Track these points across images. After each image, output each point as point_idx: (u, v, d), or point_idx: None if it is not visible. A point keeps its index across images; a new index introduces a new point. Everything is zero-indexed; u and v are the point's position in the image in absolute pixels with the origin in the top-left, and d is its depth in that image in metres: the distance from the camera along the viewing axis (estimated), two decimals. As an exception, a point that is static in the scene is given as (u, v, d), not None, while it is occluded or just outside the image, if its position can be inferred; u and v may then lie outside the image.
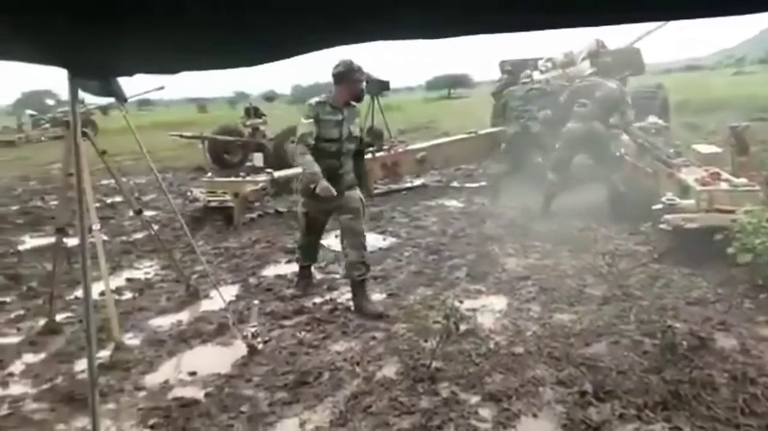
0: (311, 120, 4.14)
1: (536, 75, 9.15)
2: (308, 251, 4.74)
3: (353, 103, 4.31)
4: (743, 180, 4.89)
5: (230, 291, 4.76)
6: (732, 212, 4.31)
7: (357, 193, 4.35)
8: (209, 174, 7.76)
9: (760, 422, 2.58)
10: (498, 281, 4.68)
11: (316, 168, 4.05)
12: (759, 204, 4.36)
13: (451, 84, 44.33)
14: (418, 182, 9.50)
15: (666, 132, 7.29)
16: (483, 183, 9.10)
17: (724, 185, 4.78)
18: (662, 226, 4.64)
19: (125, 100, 2.82)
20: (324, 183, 4.02)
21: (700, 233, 4.39)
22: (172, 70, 1.76)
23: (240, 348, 3.68)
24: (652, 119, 6.98)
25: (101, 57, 1.73)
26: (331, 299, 4.48)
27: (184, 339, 3.93)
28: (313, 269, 4.96)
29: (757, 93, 16.64)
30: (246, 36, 1.51)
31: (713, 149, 5.92)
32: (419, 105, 31.45)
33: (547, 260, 5.11)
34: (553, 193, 6.56)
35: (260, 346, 3.67)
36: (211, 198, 6.93)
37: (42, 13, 1.33)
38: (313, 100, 4.26)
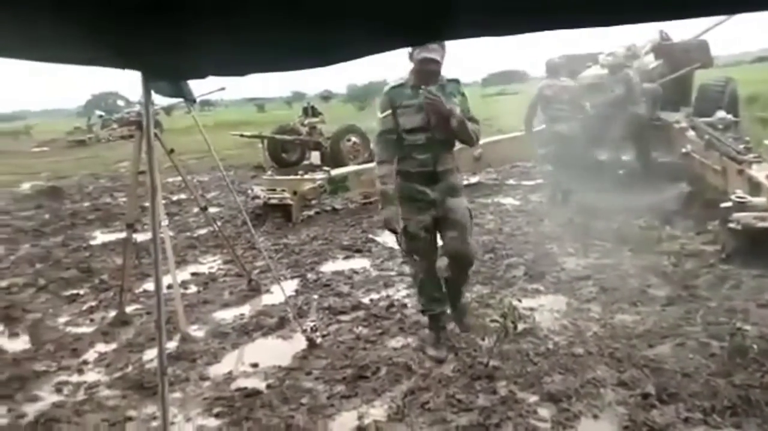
0: (388, 112, 3.38)
1: (596, 70, 8.92)
2: (428, 288, 3.58)
3: (445, 82, 3.38)
4: (821, 178, 4.63)
5: (290, 286, 4.87)
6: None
7: (463, 201, 3.52)
8: (269, 172, 7.95)
9: (840, 431, 2.46)
10: (557, 281, 4.60)
11: (388, 186, 3.40)
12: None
13: (507, 80, 43.78)
14: (473, 179, 9.43)
15: (735, 127, 6.98)
16: (539, 181, 8.95)
17: (799, 183, 4.54)
18: (731, 225, 4.45)
19: (194, 101, 2.94)
20: (388, 212, 3.40)
21: (773, 232, 4.19)
22: (245, 71, 1.83)
23: (300, 342, 3.77)
24: (721, 113, 6.69)
25: (176, 60, 1.82)
26: (387, 296, 4.52)
27: (247, 331, 4.06)
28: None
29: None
30: (319, 36, 1.55)
31: (786, 144, 5.62)
32: (475, 102, 31.24)
33: (608, 259, 4.98)
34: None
35: (319, 340, 3.75)
36: (270, 196, 7.10)
37: (118, 17, 1.41)
38: (387, 86, 3.47)
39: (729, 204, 4.66)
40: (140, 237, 5.77)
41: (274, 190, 7.17)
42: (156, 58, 1.85)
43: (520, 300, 3.97)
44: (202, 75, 2.10)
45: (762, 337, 3.23)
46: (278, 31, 1.37)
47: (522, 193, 8.31)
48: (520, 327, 3.63)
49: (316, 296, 4.63)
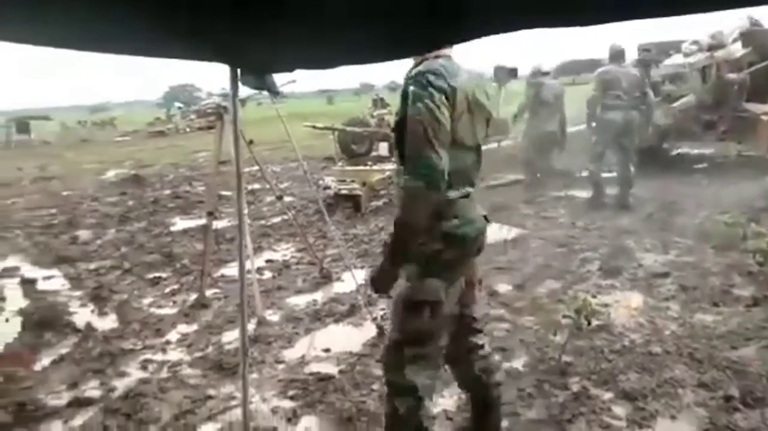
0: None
1: (678, 58, 8.54)
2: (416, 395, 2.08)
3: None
4: None
5: (360, 275, 4.96)
6: None
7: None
8: (339, 163, 8.09)
9: None
10: (633, 277, 4.48)
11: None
12: None
13: (579, 70, 42.36)
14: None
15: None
16: (614, 173, 8.67)
17: None
18: None
19: (278, 93, 3.02)
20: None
21: None
22: (328, 65, 1.89)
23: (370, 329, 3.85)
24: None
25: (266, 54, 1.89)
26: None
27: (319, 317, 4.18)
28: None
29: None
30: (392, 30, 1.59)
31: None
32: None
33: (688, 256, 4.80)
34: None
35: (387, 328, 3.81)
36: (341, 186, 7.24)
37: (210, 13, 1.49)
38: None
39: None
40: (219, 224, 6.01)
41: (344, 180, 7.30)
42: (248, 52, 1.93)
43: (594, 296, 3.89)
44: (290, 68, 2.18)
45: None
46: (356, 25, 1.41)
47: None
48: (594, 323, 3.57)
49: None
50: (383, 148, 11.14)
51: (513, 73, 10.42)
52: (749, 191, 6.39)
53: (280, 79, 2.76)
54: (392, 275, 2.03)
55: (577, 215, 6.50)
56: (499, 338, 3.62)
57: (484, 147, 2.22)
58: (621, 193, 6.72)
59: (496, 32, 1.36)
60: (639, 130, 6.74)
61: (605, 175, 7.10)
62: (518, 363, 3.28)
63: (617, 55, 7.01)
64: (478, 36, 1.44)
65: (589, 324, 3.44)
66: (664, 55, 9.21)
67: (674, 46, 8.94)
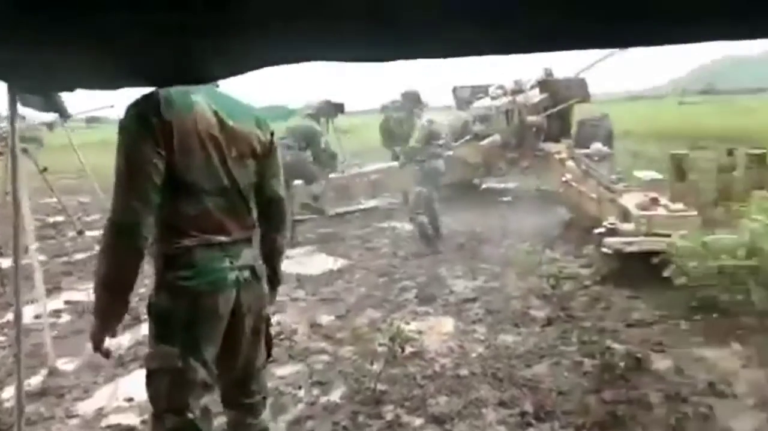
0: None
1: (486, 101, 9.39)
2: None
3: None
4: (680, 206, 5.09)
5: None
6: (669, 236, 4.48)
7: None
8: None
9: (691, 440, 2.67)
10: (446, 303, 4.72)
11: None
12: (695, 228, 4.53)
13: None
14: (371, 203, 9.53)
15: (610, 159, 7.58)
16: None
17: (661, 210, 4.96)
18: (603, 249, 4.78)
19: (68, 116, 2.74)
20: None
21: (640, 256, 4.53)
22: (113, 86, 1.74)
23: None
24: (596, 146, 7.23)
25: (40, 71, 1.69)
26: (278, 323, 4.41)
27: (123, 363, 3.80)
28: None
29: (699, 123, 17.47)
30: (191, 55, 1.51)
31: (653, 174, 6.16)
32: (375, 128, 31.86)
33: (494, 282, 5.19)
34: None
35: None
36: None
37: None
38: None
39: (602, 230, 5.01)
40: (6, 263, 5.29)
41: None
42: (19, 67, 1.72)
43: (408, 323, 4.02)
44: (69, 88, 1.98)
45: (629, 355, 3.46)
46: (136, 49, 1.31)
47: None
48: (409, 350, 3.69)
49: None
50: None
51: (339, 108, 10.67)
52: (545, 221, 7.14)
53: (96, 103, 2.52)
54: (102, 330, 1.75)
55: (398, 246, 6.75)
56: (318, 371, 3.59)
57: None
58: (434, 227, 6.71)
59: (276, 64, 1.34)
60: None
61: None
62: (335, 395, 3.26)
63: (413, 99, 7.62)
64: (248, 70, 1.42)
65: (402, 351, 3.54)
66: (474, 97, 10.09)
67: (483, 90, 9.83)
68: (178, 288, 1.75)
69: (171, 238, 1.74)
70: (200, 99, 1.74)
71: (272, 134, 1.98)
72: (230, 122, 1.80)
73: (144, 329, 4.40)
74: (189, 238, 1.75)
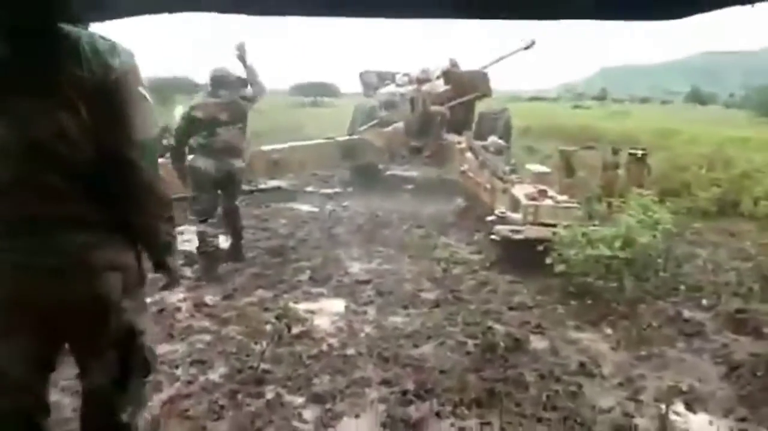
0: None
1: (392, 88, 9.44)
2: None
3: None
4: (565, 197, 5.35)
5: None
6: (554, 225, 4.69)
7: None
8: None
9: (559, 415, 2.80)
10: (339, 285, 4.69)
11: None
12: (577, 220, 4.78)
13: (317, 92, 44.33)
14: (272, 183, 9.32)
15: (506, 152, 7.85)
16: (337, 189, 9.18)
17: (548, 201, 5.19)
18: (493, 236, 4.95)
19: None
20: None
21: (525, 243, 4.72)
22: None
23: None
24: (493, 138, 7.45)
25: None
26: (160, 299, 4.19)
27: None
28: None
29: (590, 124, 18.56)
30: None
31: (543, 168, 6.44)
32: (282, 109, 31.22)
33: (388, 264, 5.22)
34: None
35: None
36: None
37: None
38: None
39: (492, 218, 5.18)
40: None
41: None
42: None
43: (297, 303, 3.96)
44: None
45: (509, 335, 3.59)
46: None
47: (319, 200, 8.41)
48: (297, 329, 3.62)
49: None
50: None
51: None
52: (443, 209, 7.30)
53: None
54: None
55: (296, 227, 6.65)
56: (199, 350, 3.44)
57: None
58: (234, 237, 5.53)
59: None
60: None
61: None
62: (215, 375, 3.14)
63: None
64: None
65: (289, 330, 3.47)
66: (382, 83, 10.12)
67: (389, 77, 9.87)
68: None
69: None
70: None
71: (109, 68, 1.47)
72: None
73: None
74: None
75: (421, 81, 9.08)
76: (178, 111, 5.16)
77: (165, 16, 1.64)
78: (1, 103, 1.41)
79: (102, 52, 1.47)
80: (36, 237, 1.48)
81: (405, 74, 9.44)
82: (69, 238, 1.51)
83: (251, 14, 1.35)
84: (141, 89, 1.55)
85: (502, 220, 5.07)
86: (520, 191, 5.49)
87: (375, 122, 9.16)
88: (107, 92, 1.47)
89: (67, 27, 1.46)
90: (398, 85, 9.32)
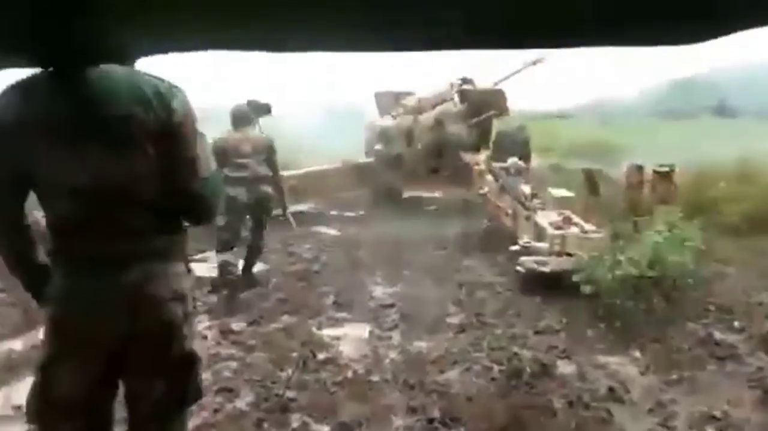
0: None
1: (388, 120, 9.46)
2: None
3: None
4: (591, 226, 5.27)
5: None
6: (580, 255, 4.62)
7: None
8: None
9: (589, 444, 2.75)
10: (363, 309, 4.70)
11: None
12: (603, 247, 4.69)
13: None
14: (295, 208, 9.38)
15: (526, 173, 7.81)
16: (361, 212, 9.21)
17: (574, 229, 5.14)
18: (518, 268, 4.90)
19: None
20: None
21: (551, 274, 4.67)
22: None
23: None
24: (513, 160, 7.43)
25: None
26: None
27: (12, 368, 3.54)
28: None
29: (615, 141, 18.37)
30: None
31: (565, 193, 6.39)
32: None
33: (412, 288, 5.21)
34: None
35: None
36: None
37: None
38: None
39: (517, 248, 5.14)
40: None
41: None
42: None
43: (320, 329, 3.97)
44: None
45: (535, 361, 3.55)
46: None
47: (341, 223, 8.45)
48: (322, 356, 3.64)
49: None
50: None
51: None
52: (465, 231, 7.27)
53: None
54: None
55: (320, 251, 6.68)
56: (225, 378, 3.47)
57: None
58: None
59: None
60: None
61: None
62: (242, 403, 3.16)
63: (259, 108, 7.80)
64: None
65: (314, 356, 3.49)
66: (398, 103, 10.13)
67: (405, 97, 9.87)
68: None
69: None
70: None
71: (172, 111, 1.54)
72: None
73: (42, 333, 4.13)
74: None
75: (416, 111, 9.07)
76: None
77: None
78: (72, 146, 1.47)
79: (163, 95, 1.53)
80: (107, 272, 1.55)
81: (419, 98, 9.45)
82: (138, 270, 1.57)
83: (271, 51, 1.39)
84: (197, 127, 1.62)
85: (527, 250, 5.04)
86: (545, 219, 5.43)
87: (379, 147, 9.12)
88: (172, 134, 1.54)
89: (125, 69, 1.53)
90: (394, 117, 9.36)
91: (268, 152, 4.98)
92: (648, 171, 7.06)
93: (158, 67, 1.63)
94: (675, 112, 30.31)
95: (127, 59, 1.58)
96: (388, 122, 9.41)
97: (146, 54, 1.45)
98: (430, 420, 2.94)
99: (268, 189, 4.96)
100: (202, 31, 1.19)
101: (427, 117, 8.90)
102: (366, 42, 1.35)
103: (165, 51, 1.41)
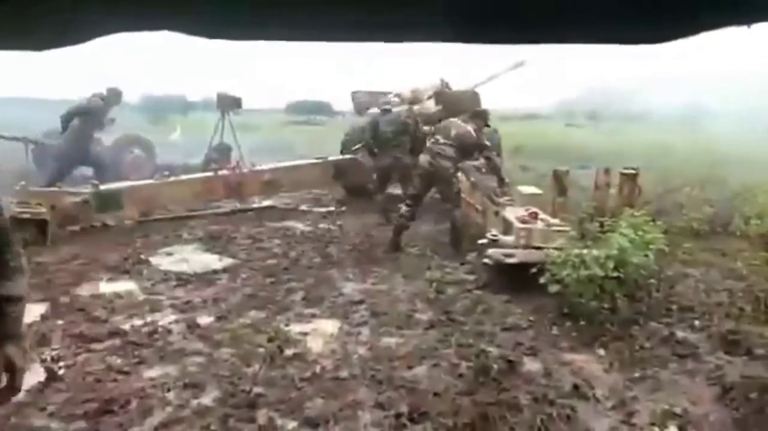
0: None
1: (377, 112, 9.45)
2: None
3: None
4: (557, 221, 5.36)
5: (36, 310, 4.25)
6: (546, 248, 4.70)
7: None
8: (22, 182, 6.89)
9: (553, 439, 2.79)
10: (333, 305, 4.68)
11: None
12: (570, 242, 4.77)
13: (311, 110, 44.37)
14: (266, 203, 9.31)
15: (498, 170, 7.85)
16: (331, 208, 9.16)
17: (541, 224, 5.21)
18: (485, 260, 4.94)
19: None
20: None
21: (518, 266, 4.72)
22: None
23: (38, 373, 3.28)
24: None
25: None
26: (151, 322, 4.17)
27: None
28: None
29: (584, 144, 18.65)
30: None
31: (534, 190, 6.45)
32: (278, 127, 31.30)
33: (382, 285, 5.21)
34: (401, 225, 6.43)
35: (61, 371, 3.30)
36: (22, 209, 6.19)
37: None
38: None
39: (485, 241, 5.19)
40: None
41: (28, 203, 6.29)
42: None
43: (288, 325, 3.94)
44: None
45: (503, 358, 3.59)
46: None
47: (313, 219, 8.39)
48: (290, 351, 3.61)
49: (62, 322, 4.10)
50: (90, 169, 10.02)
51: (237, 102, 10.41)
52: (437, 228, 7.29)
53: None
54: None
55: (290, 246, 6.62)
56: (191, 373, 3.42)
57: None
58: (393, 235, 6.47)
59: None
60: None
61: None
62: (208, 399, 3.11)
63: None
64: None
65: (282, 352, 3.46)
66: (374, 102, 10.13)
67: (382, 96, 9.88)
68: None
69: None
70: None
71: None
72: None
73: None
74: None
75: (412, 102, 9.13)
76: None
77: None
78: None
79: None
80: None
81: (396, 95, 9.48)
82: None
83: (234, 39, 1.36)
84: None
85: (494, 243, 5.08)
86: (512, 214, 5.50)
87: (362, 143, 9.13)
88: None
89: None
90: (389, 110, 9.35)
91: None
92: (615, 173, 7.17)
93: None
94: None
95: (86, 38, 1.52)
96: (365, 119, 9.41)
97: (107, 33, 1.39)
98: (398, 415, 2.94)
99: None
100: (169, 9, 1.15)
101: (423, 106, 8.95)
102: (350, 32, 1.32)
103: (128, 29, 1.36)
